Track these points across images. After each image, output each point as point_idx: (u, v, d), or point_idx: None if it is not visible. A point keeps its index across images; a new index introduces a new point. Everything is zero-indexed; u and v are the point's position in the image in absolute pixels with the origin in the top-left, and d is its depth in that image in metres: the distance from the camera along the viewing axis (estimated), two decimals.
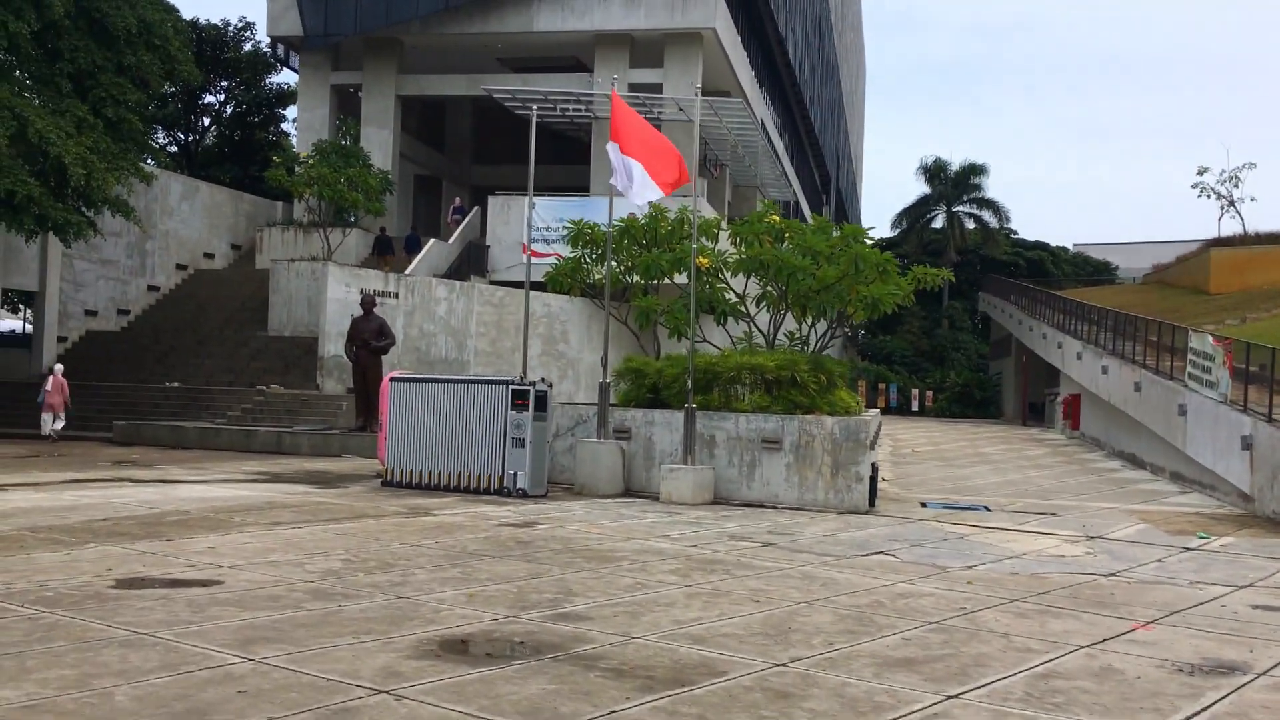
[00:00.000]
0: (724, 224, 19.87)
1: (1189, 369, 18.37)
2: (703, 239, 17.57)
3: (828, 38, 67.50)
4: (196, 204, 34.65)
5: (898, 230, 68.48)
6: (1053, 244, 74.70)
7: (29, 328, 31.19)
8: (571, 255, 19.31)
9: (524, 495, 14.10)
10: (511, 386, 14.35)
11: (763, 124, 39.13)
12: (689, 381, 14.54)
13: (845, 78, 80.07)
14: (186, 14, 42.87)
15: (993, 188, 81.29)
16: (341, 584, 8.01)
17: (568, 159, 37.70)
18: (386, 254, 32.22)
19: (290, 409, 24.55)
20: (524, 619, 7.06)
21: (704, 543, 10.78)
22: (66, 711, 4.83)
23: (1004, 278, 56.04)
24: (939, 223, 68.93)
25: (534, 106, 17.74)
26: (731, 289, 17.68)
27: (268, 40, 42.24)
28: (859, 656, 6.38)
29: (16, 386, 27.76)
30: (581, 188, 34.37)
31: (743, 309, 17.51)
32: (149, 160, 28.73)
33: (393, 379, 15.42)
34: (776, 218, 17.43)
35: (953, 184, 68.38)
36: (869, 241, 16.73)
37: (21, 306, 40.57)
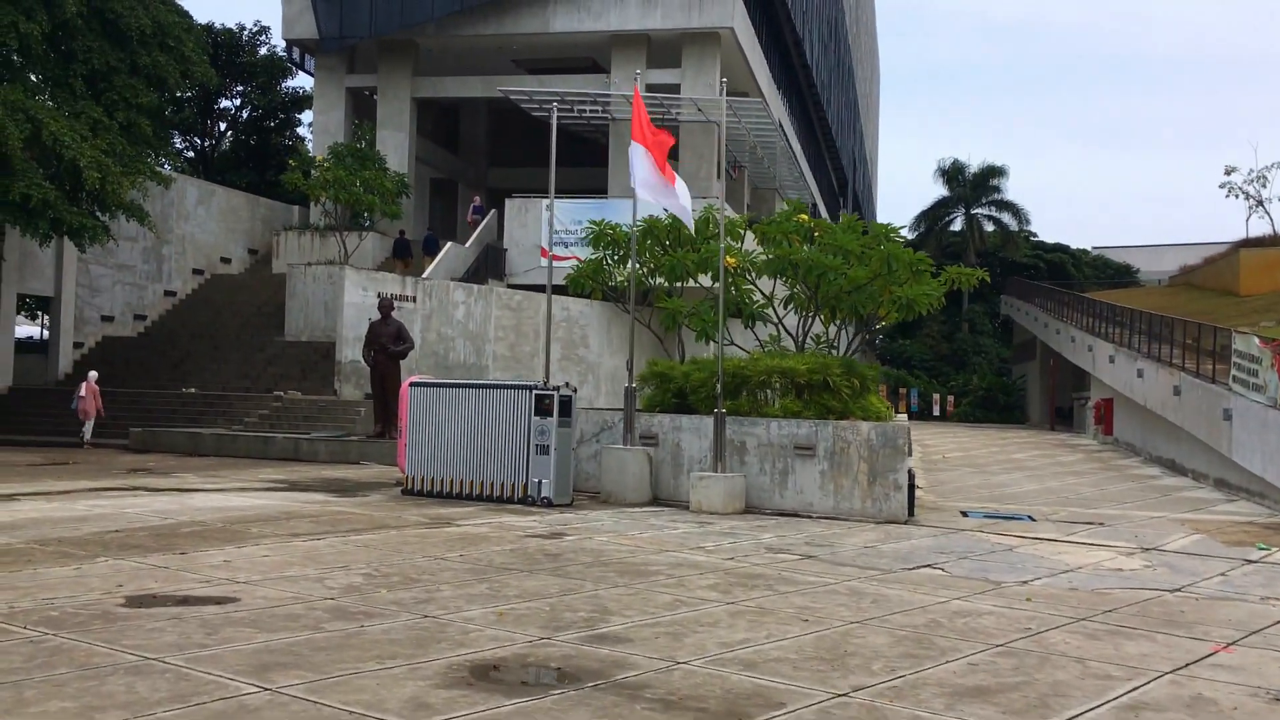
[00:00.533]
0: (749, 225, 19.35)
1: (1234, 372, 17.74)
2: (728, 239, 17.05)
3: (843, 40, 66.94)
4: (213, 208, 34.37)
5: (916, 233, 67.76)
6: (1073, 246, 74.00)
7: (46, 334, 30.89)
8: (592, 257, 18.84)
9: (549, 504, 13.62)
10: (535, 392, 13.87)
11: (780, 125, 38.62)
12: (718, 386, 14.04)
13: (860, 80, 79.45)
14: (201, 18, 42.62)
15: (1010, 190, 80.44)
16: (363, 601, 7.55)
17: (585, 161, 37.26)
18: (405, 257, 31.86)
19: (307, 415, 24.17)
20: (559, 641, 6.58)
21: (741, 555, 10.27)
22: None
23: (1028, 280, 55.26)
24: (958, 225, 68.21)
25: (554, 105, 17.26)
26: (759, 290, 17.17)
27: (283, 44, 42.02)
28: (925, 685, 5.86)
29: (33, 393, 27.50)
30: (599, 190, 33.92)
31: (770, 311, 16.99)
32: (165, 164, 28.41)
33: (413, 384, 14.98)
34: (805, 216, 16.91)
35: (971, 186, 67.69)
36: (900, 240, 16.17)
37: (39, 313, 40.36)
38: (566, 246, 27.62)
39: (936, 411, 53.68)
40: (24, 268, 27.73)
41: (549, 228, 16.24)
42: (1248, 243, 40.99)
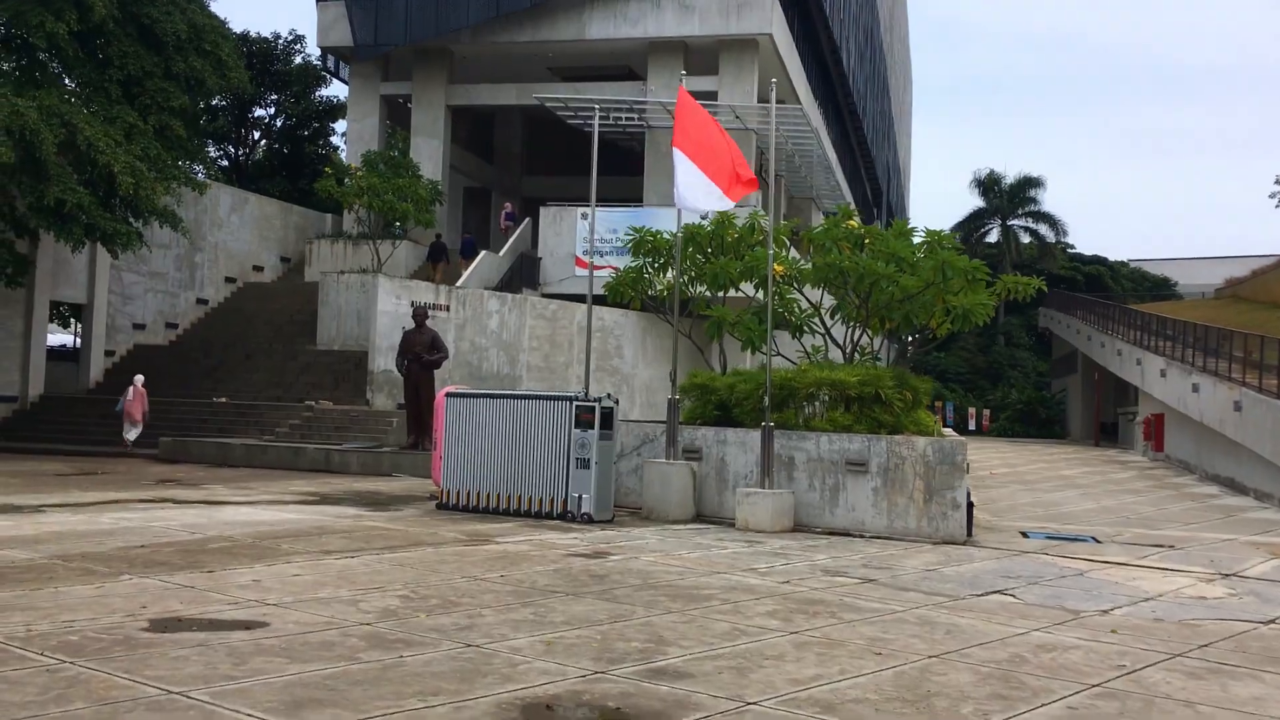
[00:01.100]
0: (794, 232, 18.78)
1: None
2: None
3: (879, 49, 66.26)
4: (246, 216, 34.23)
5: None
6: (1110, 259, 72.72)
7: (79, 342, 30.81)
8: (632, 265, 18.33)
9: (589, 520, 13.09)
10: (576, 403, 13.35)
11: (817, 134, 38.03)
12: (766, 398, 13.46)
13: (894, 90, 78.67)
14: (237, 28, 42.72)
15: (1046, 202, 79.24)
16: (401, 627, 7.04)
17: (621, 169, 36.82)
18: (440, 260, 31.56)
19: (339, 425, 23.80)
20: (615, 676, 6.04)
21: (796, 578, 9.69)
22: None
23: (1069, 292, 54.24)
24: (993, 236, 67.27)
25: (596, 108, 16.83)
26: (807, 299, 16.58)
27: (318, 53, 41.99)
28: None
29: (64, 401, 27.35)
30: (635, 199, 33.47)
31: (817, 321, 16.40)
32: (199, 170, 28.27)
33: (449, 394, 14.51)
34: (855, 223, 16.33)
35: (1008, 197, 66.75)
36: (956, 248, 15.53)
37: (71, 320, 40.46)
38: (602, 255, 27.16)
39: (972, 426, 52.71)
40: (57, 275, 27.63)
41: (591, 234, 15.71)
42: None
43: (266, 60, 43.41)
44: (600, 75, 35.65)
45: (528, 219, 34.29)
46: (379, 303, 25.38)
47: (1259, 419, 19.18)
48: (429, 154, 35.69)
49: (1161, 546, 12.91)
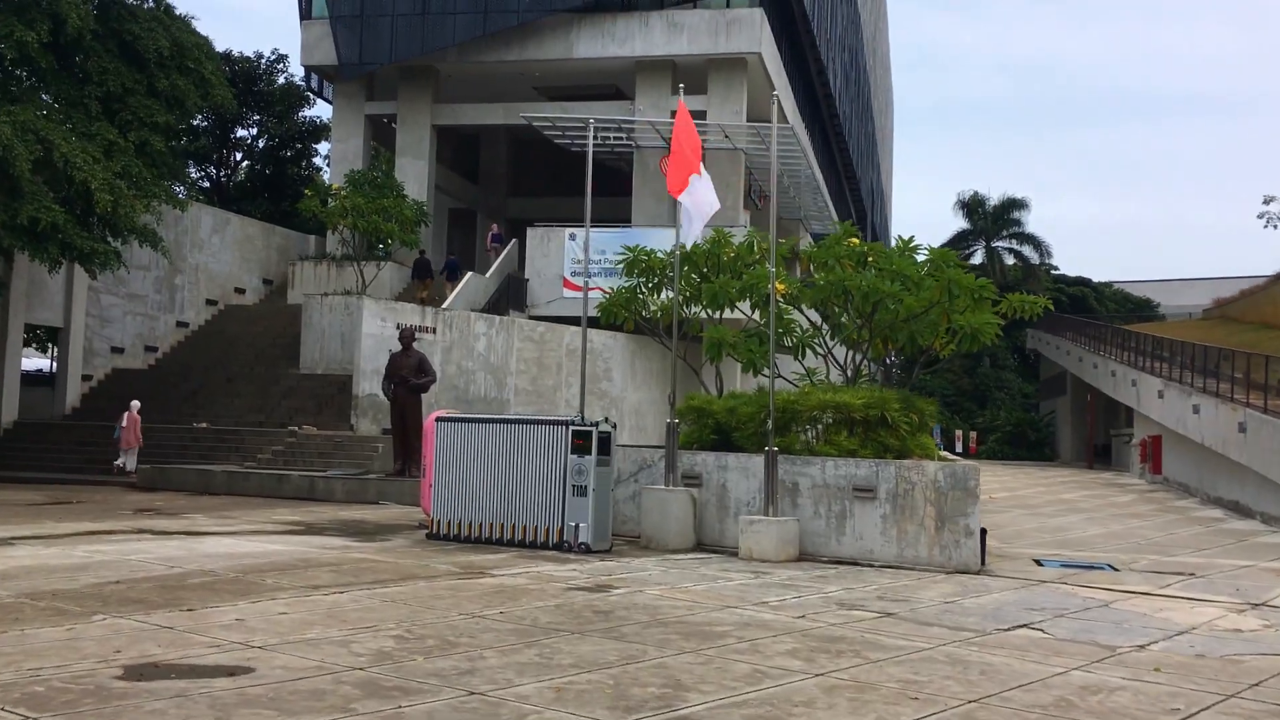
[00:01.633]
0: (793, 251, 18.39)
1: None
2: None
3: (863, 71, 66.35)
4: (227, 237, 33.61)
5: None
6: (1094, 280, 72.84)
7: (55, 366, 30.05)
8: (625, 285, 17.88)
9: (586, 550, 12.55)
10: (572, 427, 12.84)
11: (806, 154, 37.79)
12: (769, 422, 12.99)
13: (877, 112, 78.86)
14: (219, 46, 42.18)
15: (1030, 224, 79.51)
16: (398, 672, 6.50)
17: (608, 189, 36.35)
18: (425, 278, 31.04)
19: (323, 451, 23.17)
20: None
21: (812, 612, 9.19)
22: None
23: (1058, 314, 54.17)
24: (978, 258, 67.19)
25: (591, 124, 16.40)
26: (808, 319, 16.16)
27: (301, 73, 41.52)
28: None
29: (39, 427, 26.61)
30: (622, 219, 33.04)
31: (819, 341, 15.97)
32: (180, 189, 27.69)
33: (438, 419, 13.96)
34: (857, 240, 15.93)
35: (992, 218, 66.83)
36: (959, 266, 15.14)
37: (48, 345, 39.65)
38: (590, 276, 26.70)
39: (959, 448, 52.39)
40: (32, 297, 26.92)
41: (584, 254, 15.26)
42: None
43: (249, 80, 42.87)
44: (587, 95, 35.30)
45: (514, 240, 33.81)
46: (364, 325, 24.82)
47: (1265, 440, 18.84)
48: (414, 174, 35.21)
49: (1181, 574, 12.48)
